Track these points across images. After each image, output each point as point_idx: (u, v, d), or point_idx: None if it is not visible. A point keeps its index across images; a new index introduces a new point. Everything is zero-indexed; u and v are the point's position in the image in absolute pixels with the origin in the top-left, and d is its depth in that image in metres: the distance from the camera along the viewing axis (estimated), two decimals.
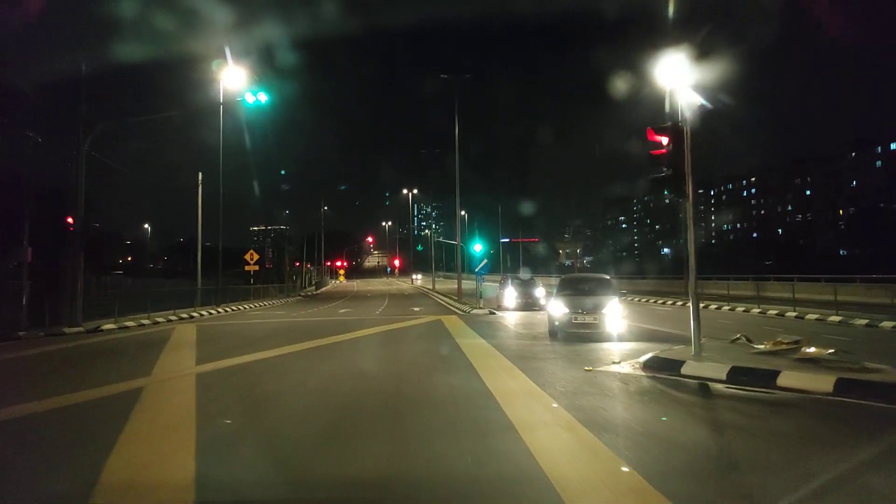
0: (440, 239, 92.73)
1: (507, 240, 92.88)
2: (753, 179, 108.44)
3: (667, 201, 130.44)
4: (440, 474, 4.54)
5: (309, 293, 62.83)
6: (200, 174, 35.37)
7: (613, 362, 9.81)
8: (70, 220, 20.36)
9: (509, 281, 27.74)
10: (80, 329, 18.82)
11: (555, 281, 47.64)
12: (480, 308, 24.88)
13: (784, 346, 9.02)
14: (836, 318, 18.60)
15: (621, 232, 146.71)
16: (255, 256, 40.17)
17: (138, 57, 23.30)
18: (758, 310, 22.85)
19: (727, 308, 24.64)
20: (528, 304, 25.39)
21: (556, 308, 13.81)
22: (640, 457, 4.70)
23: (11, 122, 20.48)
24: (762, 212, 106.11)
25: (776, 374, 7.69)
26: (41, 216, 23.09)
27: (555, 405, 6.58)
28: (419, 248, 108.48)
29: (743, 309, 23.79)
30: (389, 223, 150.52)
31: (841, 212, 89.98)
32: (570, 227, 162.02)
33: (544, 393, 7.33)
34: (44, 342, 15.98)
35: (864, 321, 17.50)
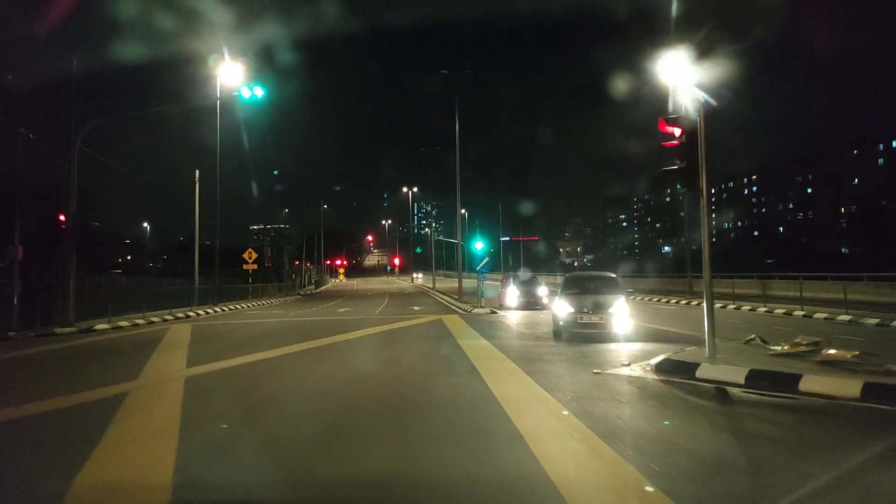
0: (440, 237, 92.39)
1: (508, 238, 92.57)
2: (754, 178, 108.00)
3: (667, 199, 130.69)
4: (443, 489, 4.14)
5: (308, 292, 62.40)
6: (197, 172, 35.03)
7: (623, 364, 9.36)
8: (62, 217, 19.90)
9: (511, 279, 27.28)
10: (73, 329, 18.39)
11: (556, 280, 47.37)
12: (482, 307, 24.45)
13: (803, 348, 8.58)
14: (846, 318, 18.17)
15: (622, 230, 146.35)
16: (254, 255, 39.71)
17: (135, 55, 23.00)
18: (764, 309, 22.43)
19: (733, 307, 24.20)
20: (531, 304, 24.95)
21: (561, 307, 13.37)
22: (665, 473, 4.26)
23: (3, 118, 20.04)
24: (763, 210, 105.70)
25: (798, 378, 7.25)
26: (34, 214, 22.70)
27: (565, 412, 6.14)
28: (417, 250, 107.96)
29: (749, 308, 23.36)
30: (389, 222, 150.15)
31: (843, 210, 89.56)
32: (571, 225, 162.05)
33: (552, 398, 6.89)
34: (34, 343, 15.54)
35: (875, 320, 17.07)
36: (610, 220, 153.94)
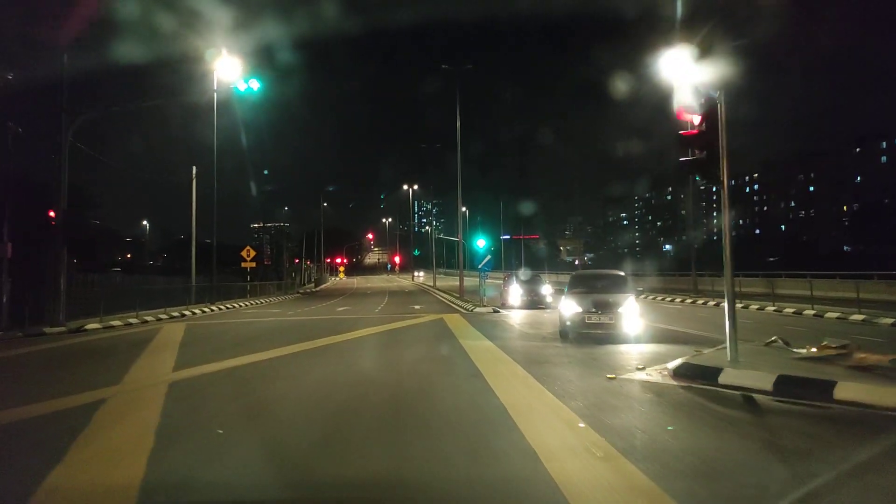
0: (441, 235, 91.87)
1: (508, 236, 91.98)
2: (756, 175, 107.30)
3: (668, 197, 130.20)
4: None
5: (308, 290, 61.82)
6: (194, 168, 34.50)
7: (637, 368, 8.78)
8: (52, 213, 19.33)
9: (514, 278, 26.70)
10: (63, 329, 17.83)
11: (557, 278, 46.82)
12: (484, 306, 23.89)
13: (831, 352, 8.01)
14: (859, 317, 17.61)
15: (622, 229, 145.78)
16: (252, 253, 39.13)
17: (131, 53, 22.39)
18: (773, 308, 21.88)
19: (740, 306, 23.51)
20: (534, 302, 24.38)
21: (568, 307, 12.78)
22: (703, 501, 3.70)
23: None
24: (765, 208, 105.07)
25: (832, 385, 6.68)
26: (27, 211, 22.14)
27: (581, 424, 5.56)
28: (416, 252, 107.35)
29: (757, 307, 22.80)
30: (389, 220, 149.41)
31: (845, 208, 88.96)
32: (571, 224, 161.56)
33: (565, 407, 6.32)
34: (20, 343, 14.98)
35: (890, 320, 16.50)
36: (611, 219, 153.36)
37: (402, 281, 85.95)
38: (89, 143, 20.15)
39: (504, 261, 75.19)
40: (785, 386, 6.91)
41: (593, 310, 12.47)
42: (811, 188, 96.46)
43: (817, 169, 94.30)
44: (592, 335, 12.54)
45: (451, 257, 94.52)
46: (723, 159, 8.11)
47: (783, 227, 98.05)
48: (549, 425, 5.64)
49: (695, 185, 37.48)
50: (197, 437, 5.56)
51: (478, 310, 23.15)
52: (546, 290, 25.32)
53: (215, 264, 34.47)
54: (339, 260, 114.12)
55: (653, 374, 8.29)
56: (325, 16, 45.72)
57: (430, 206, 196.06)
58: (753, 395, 6.91)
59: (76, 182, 34.94)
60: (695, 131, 8.23)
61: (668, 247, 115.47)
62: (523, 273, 28.59)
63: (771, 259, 63.61)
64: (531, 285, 25.47)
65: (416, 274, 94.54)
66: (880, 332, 14.42)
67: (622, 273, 14.87)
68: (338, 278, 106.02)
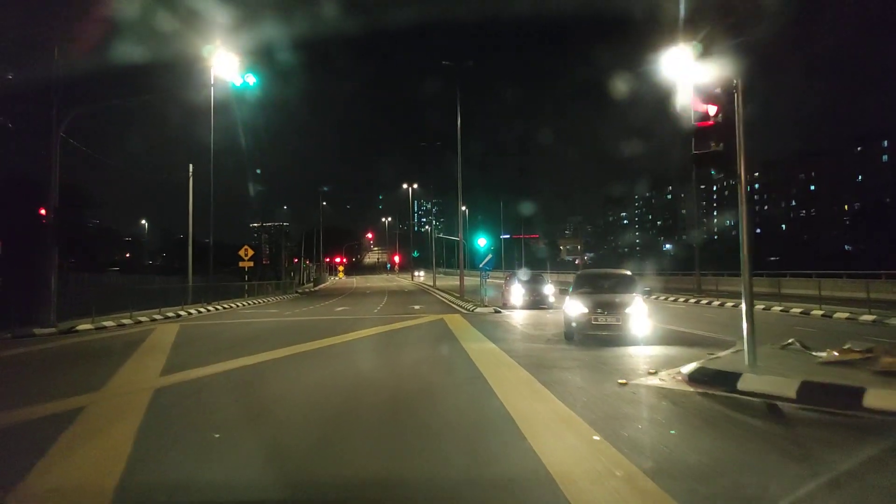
0: (440, 235, 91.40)
1: (508, 236, 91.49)
2: (757, 175, 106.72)
3: (668, 197, 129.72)
4: None
5: (306, 290, 61.34)
6: (191, 166, 34.13)
7: (650, 373, 8.32)
8: (42, 211, 18.86)
9: (516, 277, 26.22)
10: (53, 330, 17.34)
11: (557, 278, 46.36)
12: (485, 306, 23.43)
13: (855, 356, 7.56)
14: (870, 317, 17.17)
15: (622, 228, 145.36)
16: (250, 252, 38.63)
17: (127, 53, 21.93)
18: (779, 308, 21.42)
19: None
20: (536, 302, 23.91)
21: (574, 307, 12.31)
22: None
23: None
24: (766, 207, 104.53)
25: (860, 391, 6.22)
26: (17, 208, 21.66)
27: (596, 437, 5.09)
28: (415, 254, 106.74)
29: (763, 307, 22.31)
30: (389, 219, 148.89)
31: (846, 207, 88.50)
32: (571, 223, 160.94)
33: (577, 417, 5.86)
34: (7, 345, 14.50)
35: None
36: (611, 218, 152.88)
37: (401, 280, 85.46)
38: (89, 144, 19.76)
39: (504, 260, 74.76)
40: (810, 393, 6.45)
41: (600, 310, 12.01)
42: (812, 187, 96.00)
43: (818, 168, 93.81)
44: (599, 337, 12.09)
45: (450, 257, 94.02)
46: (740, 152, 7.66)
47: (784, 226, 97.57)
48: (562, 439, 5.17)
49: (696, 184, 37.16)
50: (173, 457, 5.00)
51: (479, 310, 22.70)
52: (549, 289, 24.83)
53: (213, 264, 34.02)
54: (338, 259, 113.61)
55: (666, 380, 7.83)
56: (325, 15, 45.32)
57: (429, 206, 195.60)
58: (776, 402, 6.46)
59: (75, 181, 34.58)
60: (711, 122, 7.77)
61: (668, 246, 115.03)
62: (524, 272, 28.09)
63: (772, 258, 63.17)
64: (534, 285, 24.99)
65: (416, 273, 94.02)
66: (893, 333, 13.98)
67: (629, 272, 14.40)
68: (337, 278, 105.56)
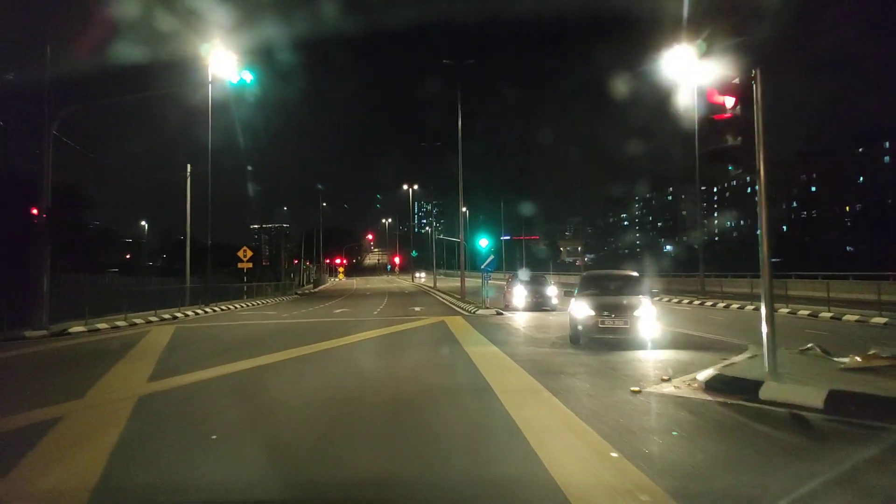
0: (441, 236, 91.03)
1: (508, 237, 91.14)
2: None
3: (669, 198, 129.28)
4: None
5: (306, 291, 60.94)
6: (189, 166, 33.70)
7: (663, 380, 7.88)
8: (34, 211, 18.44)
9: (518, 279, 25.79)
10: (44, 332, 16.92)
11: (558, 279, 45.92)
12: (486, 308, 23.02)
13: (882, 362, 7.16)
14: (881, 320, 16.74)
15: (623, 229, 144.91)
16: (249, 253, 38.23)
17: (126, 52, 21.57)
18: (786, 310, 20.94)
19: (751, 307, 22.64)
20: (539, 304, 23.46)
21: (580, 310, 11.89)
22: None
23: None
24: None
25: (893, 401, 5.83)
26: (9, 208, 21.25)
27: (614, 454, 4.67)
28: (413, 253, 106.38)
29: None
30: (389, 220, 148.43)
31: (847, 208, 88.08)
32: (571, 224, 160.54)
33: (590, 429, 5.44)
34: None
35: None
36: (611, 219, 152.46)
37: (401, 282, 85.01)
38: (89, 143, 19.37)
39: (505, 262, 74.40)
40: (839, 403, 6.04)
41: (607, 313, 11.59)
42: (813, 188, 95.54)
43: (819, 169, 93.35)
44: (606, 340, 11.66)
45: (451, 258, 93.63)
46: (759, 146, 7.26)
47: (785, 227, 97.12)
48: (576, 455, 4.74)
49: (698, 184, 36.79)
50: (150, 480, 4.55)
51: (480, 312, 22.29)
52: (551, 291, 24.38)
53: (211, 265, 33.63)
54: (338, 260, 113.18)
55: (682, 387, 7.41)
56: (325, 15, 45.04)
57: (430, 207, 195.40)
58: (802, 413, 6.05)
59: (75, 182, 34.19)
60: (727, 115, 7.37)
61: (668, 247, 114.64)
62: (525, 273, 27.64)
63: (773, 260, 62.70)
64: (536, 286, 24.55)
65: (416, 275, 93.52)
66: None
67: (636, 273, 13.98)
68: (337, 279, 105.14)
